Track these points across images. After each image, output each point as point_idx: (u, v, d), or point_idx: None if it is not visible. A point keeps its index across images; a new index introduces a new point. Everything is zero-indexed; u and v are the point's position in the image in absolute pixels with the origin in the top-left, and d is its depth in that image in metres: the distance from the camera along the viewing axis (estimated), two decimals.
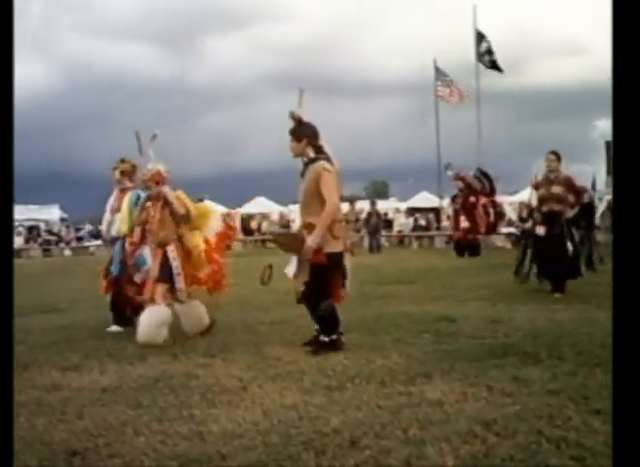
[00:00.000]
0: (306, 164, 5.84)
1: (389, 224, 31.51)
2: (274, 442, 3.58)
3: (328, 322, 5.80)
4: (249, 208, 37.52)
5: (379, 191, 68.92)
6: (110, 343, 6.52)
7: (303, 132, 5.86)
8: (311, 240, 5.58)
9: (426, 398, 4.27)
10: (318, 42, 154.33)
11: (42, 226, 36.96)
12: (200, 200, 25.46)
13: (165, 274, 6.67)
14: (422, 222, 31.03)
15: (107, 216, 7.78)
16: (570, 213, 9.19)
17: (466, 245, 19.32)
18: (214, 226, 7.19)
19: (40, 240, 34.30)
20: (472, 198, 19.62)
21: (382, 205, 32.22)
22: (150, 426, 3.93)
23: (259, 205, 39.40)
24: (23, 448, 3.63)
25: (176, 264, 6.69)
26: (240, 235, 29.80)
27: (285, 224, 33.90)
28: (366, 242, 24.66)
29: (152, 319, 6.43)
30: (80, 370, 5.50)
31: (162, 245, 6.75)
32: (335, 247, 5.75)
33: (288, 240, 5.97)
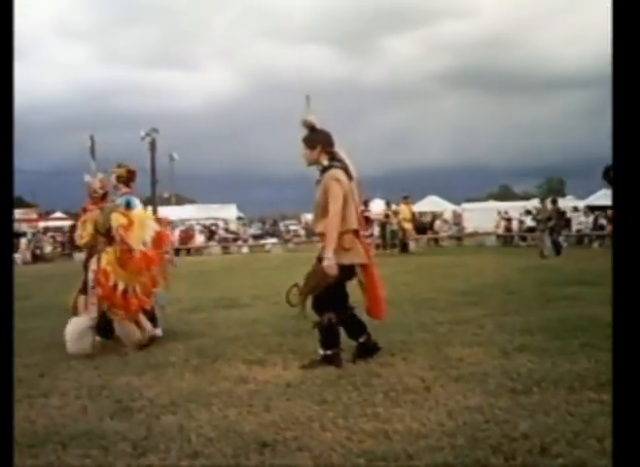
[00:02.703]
0: (322, 172, 5.59)
1: (567, 223, 30.19)
2: (461, 444, 3.52)
3: (325, 335, 5.58)
4: (421, 207, 37.19)
5: (555, 189, 66.39)
6: (291, 339, 6.67)
7: (317, 139, 5.60)
8: (326, 260, 5.30)
9: None
10: (493, 38, 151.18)
11: (220, 224, 38.72)
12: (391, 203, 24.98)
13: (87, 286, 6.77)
14: (603, 221, 29.50)
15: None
16: None
17: None
18: (150, 233, 6.78)
19: (218, 238, 35.89)
20: None
21: (559, 204, 31.01)
22: (335, 422, 3.99)
23: (431, 204, 39.23)
24: (219, 436, 3.81)
25: (92, 276, 6.67)
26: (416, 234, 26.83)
27: (458, 222, 33.48)
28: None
29: (73, 331, 6.52)
30: (264, 364, 5.68)
31: (92, 255, 6.83)
32: (344, 259, 5.42)
33: (313, 277, 5.57)
